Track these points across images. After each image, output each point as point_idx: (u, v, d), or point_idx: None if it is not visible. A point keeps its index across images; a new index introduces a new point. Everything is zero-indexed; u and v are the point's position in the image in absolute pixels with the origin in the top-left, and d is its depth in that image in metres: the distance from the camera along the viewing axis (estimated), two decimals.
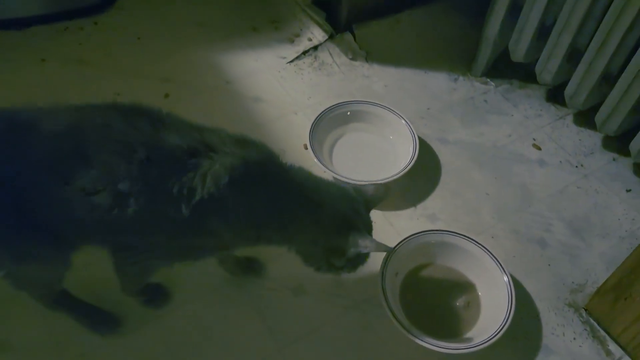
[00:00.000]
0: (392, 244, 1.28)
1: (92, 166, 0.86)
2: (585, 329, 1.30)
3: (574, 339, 1.28)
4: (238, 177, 0.90)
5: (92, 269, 1.26)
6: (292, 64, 1.86)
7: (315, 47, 1.91)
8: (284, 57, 1.88)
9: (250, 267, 1.31)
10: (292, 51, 1.90)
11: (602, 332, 1.29)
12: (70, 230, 0.95)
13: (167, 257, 1.03)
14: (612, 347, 1.27)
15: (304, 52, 1.90)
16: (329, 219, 0.99)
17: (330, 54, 1.90)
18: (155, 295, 1.24)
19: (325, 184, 1.03)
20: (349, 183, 1.08)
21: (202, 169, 0.89)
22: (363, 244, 0.98)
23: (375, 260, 1.33)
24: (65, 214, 0.91)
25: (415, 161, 1.49)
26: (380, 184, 1.09)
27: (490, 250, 1.30)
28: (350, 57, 1.90)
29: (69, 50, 1.81)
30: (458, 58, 1.94)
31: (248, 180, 0.92)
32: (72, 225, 0.94)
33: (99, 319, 1.20)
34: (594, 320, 1.30)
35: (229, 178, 0.89)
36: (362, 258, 1.06)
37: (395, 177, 1.45)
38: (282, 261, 1.35)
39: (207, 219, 0.92)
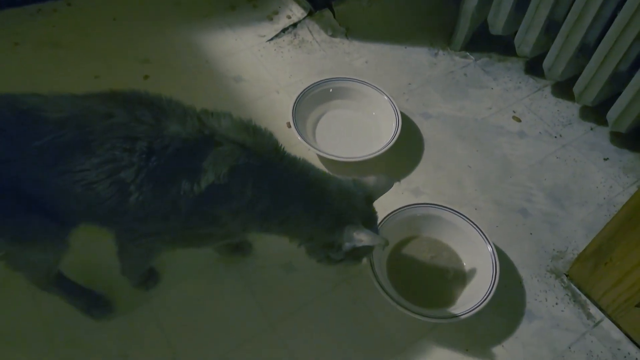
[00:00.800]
0: (378, 218, 1.30)
1: (94, 155, 0.86)
2: (567, 294, 1.34)
3: (556, 304, 1.32)
4: (239, 167, 0.90)
5: (84, 252, 1.26)
6: (272, 42, 1.85)
7: (295, 25, 1.90)
8: (264, 36, 1.87)
9: (239, 246, 1.32)
10: (271, 29, 1.89)
11: (583, 297, 1.33)
12: (70, 211, 0.95)
13: (171, 243, 1.03)
14: (593, 310, 1.31)
15: (284, 30, 1.88)
16: (323, 216, 0.99)
17: (310, 31, 1.89)
18: (146, 278, 1.24)
19: (324, 178, 1.02)
20: (351, 177, 1.07)
21: (203, 158, 0.89)
22: (357, 237, 0.98)
23: None
24: (65, 198, 0.91)
25: (398, 136, 1.50)
26: (382, 174, 1.07)
27: (473, 221, 1.32)
28: (330, 34, 1.89)
29: (42, 33, 1.77)
30: (437, 32, 1.94)
31: (249, 171, 0.92)
32: (71, 207, 0.94)
33: (93, 302, 1.20)
34: (575, 286, 1.35)
35: (230, 168, 0.89)
36: (363, 250, 1.05)
37: (378, 153, 1.46)
38: (270, 239, 1.36)
39: (210, 208, 0.93)
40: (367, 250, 1.07)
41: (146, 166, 0.87)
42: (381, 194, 1.07)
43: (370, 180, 1.06)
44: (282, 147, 0.99)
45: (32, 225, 0.93)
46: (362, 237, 0.98)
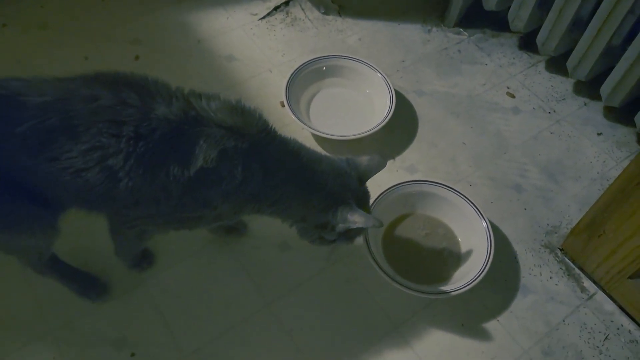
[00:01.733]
0: (372, 196, 1.30)
1: (80, 141, 0.84)
2: (561, 268, 1.35)
3: (550, 278, 1.33)
4: (228, 150, 0.89)
5: (78, 235, 1.26)
6: (264, 20, 1.83)
7: (287, 3, 1.87)
8: (255, 14, 1.84)
9: (234, 227, 1.32)
10: (263, 7, 1.86)
11: (577, 270, 1.34)
12: (58, 197, 0.94)
13: (164, 226, 1.02)
14: (587, 283, 1.32)
15: (275, 8, 1.86)
16: (315, 196, 0.98)
17: (302, 9, 1.87)
18: (141, 259, 1.24)
19: (317, 158, 1.00)
20: (344, 157, 1.05)
21: (192, 142, 0.87)
22: (352, 218, 0.97)
23: None
24: (53, 185, 0.90)
25: (393, 114, 1.49)
26: (375, 153, 1.05)
27: (468, 197, 1.33)
28: (323, 11, 1.87)
29: (30, 14, 1.74)
30: (431, 9, 1.92)
31: (238, 153, 0.90)
32: (60, 194, 0.93)
33: (88, 284, 1.21)
34: (569, 260, 1.36)
35: (218, 152, 0.88)
36: (356, 231, 1.04)
37: (372, 131, 1.46)
38: (265, 219, 1.36)
39: (200, 192, 0.92)
40: (361, 230, 1.06)
41: (134, 152, 0.85)
42: (374, 173, 1.06)
43: (364, 159, 1.05)
44: (272, 127, 0.97)
45: (19, 212, 0.92)
46: (356, 219, 0.97)
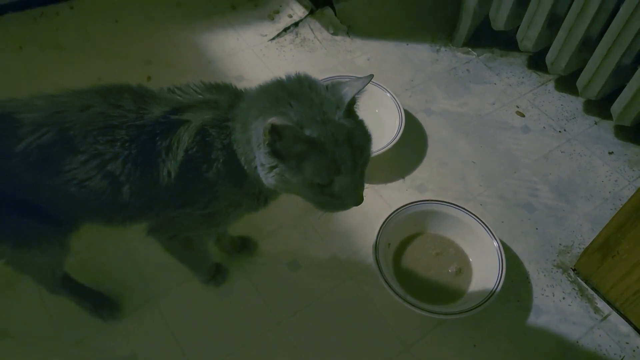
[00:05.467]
0: (383, 216, 1.30)
1: (79, 151, 0.85)
2: (574, 289, 1.33)
3: (563, 298, 1.32)
4: (204, 130, 0.87)
5: (90, 254, 1.27)
6: (274, 41, 1.85)
7: (296, 24, 1.90)
8: (265, 35, 1.87)
9: (244, 246, 1.32)
10: (272, 28, 1.89)
11: (590, 291, 1.33)
12: (69, 213, 0.95)
13: (195, 228, 1.00)
14: (601, 304, 1.31)
15: (285, 29, 1.88)
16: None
17: (312, 30, 1.89)
18: (215, 274, 1.26)
19: (293, 92, 0.84)
20: None
21: (174, 134, 0.87)
22: (345, 91, 0.82)
23: (368, 233, 1.35)
24: (62, 200, 0.90)
25: (402, 133, 1.50)
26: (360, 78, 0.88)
27: (479, 216, 1.32)
28: (332, 32, 1.89)
29: (46, 36, 1.78)
30: (439, 29, 1.94)
31: (216, 127, 0.87)
32: (69, 208, 0.93)
33: (101, 303, 1.21)
34: (582, 280, 1.34)
35: (195, 133, 0.86)
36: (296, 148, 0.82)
37: (382, 150, 1.46)
38: (275, 238, 1.37)
39: (197, 180, 0.90)
40: (307, 150, 0.80)
41: (130, 154, 0.86)
42: (352, 95, 0.84)
43: (347, 83, 0.86)
44: (242, 90, 0.93)
45: (28, 231, 0.93)
46: (348, 87, 0.82)
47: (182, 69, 1.73)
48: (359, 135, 0.84)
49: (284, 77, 0.87)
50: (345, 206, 0.87)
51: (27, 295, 1.23)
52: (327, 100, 0.82)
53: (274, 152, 0.80)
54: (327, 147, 0.79)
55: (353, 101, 0.84)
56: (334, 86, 0.85)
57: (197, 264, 1.21)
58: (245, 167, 0.89)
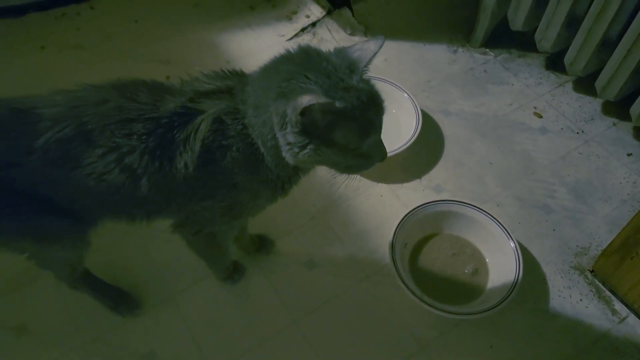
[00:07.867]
0: (399, 216, 1.31)
1: (97, 145, 0.85)
2: (591, 291, 1.33)
3: (581, 300, 1.31)
4: (218, 118, 0.87)
5: (110, 250, 1.29)
6: (292, 41, 1.86)
7: (314, 24, 1.91)
8: (283, 35, 1.88)
9: (262, 244, 1.34)
10: (290, 29, 1.90)
11: (608, 293, 1.32)
12: (88, 207, 0.96)
13: (219, 220, 1.00)
14: (618, 306, 1.30)
15: (303, 29, 1.90)
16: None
17: (329, 30, 1.90)
18: (233, 271, 1.28)
19: (300, 65, 0.83)
20: None
21: (190, 126, 0.87)
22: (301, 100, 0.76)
23: (384, 233, 1.36)
24: (81, 194, 0.92)
25: (419, 134, 1.50)
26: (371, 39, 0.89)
27: (496, 217, 1.32)
28: (349, 32, 1.89)
29: (67, 36, 1.81)
30: (457, 29, 1.94)
31: (229, 114, 0.87)
32: (89, 203, 0.94)
33: (120, 299, 1.23)
34: (600, 282, 1.33)
35: (212, 121, 0.86)
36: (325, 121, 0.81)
37: (399, 150, 1.46)
38: (292, 237, 1.38)
39: (216, 171, 0.90)
40: (333, 121, 0.80)
41: (147, 147, 0.86)
42: (367, 59, 0.85)
43: (355, 47, 0.87)
44: (247, 73, 0.92)
45: (49, 226, 0.94)
46: (365, 47, 0.84)
47: (200, 69, 1.74)
48: (377, 94, 0.85)
49: (287, 51, 0.86)
50: (371, 164, 0.90)
51: (46, 291, 1.25)
52: (339, 67, 0.82)
53: (304, 130, 0.80)
54: (356, 114, 0.80)
55: (368, 65, 0.85)
56: (339, 51, 0.85)
57: (218, 260, 1.22)
58: (263, 150, 0.89)
